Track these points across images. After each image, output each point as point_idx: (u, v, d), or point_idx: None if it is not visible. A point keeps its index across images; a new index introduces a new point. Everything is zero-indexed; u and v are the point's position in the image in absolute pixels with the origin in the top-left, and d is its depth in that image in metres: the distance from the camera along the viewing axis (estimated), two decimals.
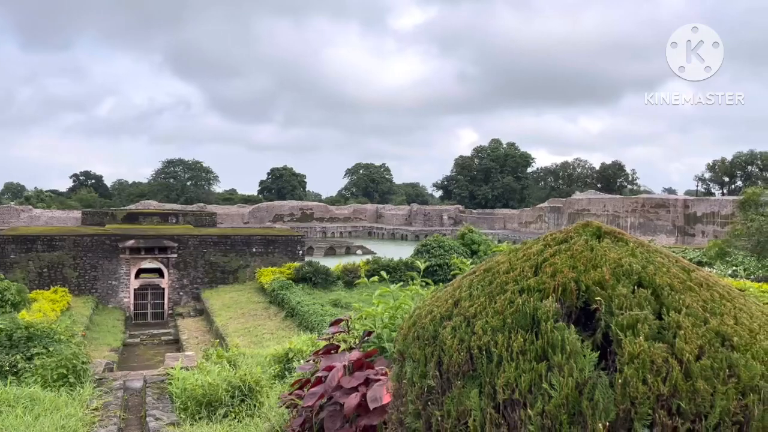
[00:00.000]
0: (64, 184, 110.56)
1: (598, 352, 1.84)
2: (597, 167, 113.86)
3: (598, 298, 1.95)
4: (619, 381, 1.73)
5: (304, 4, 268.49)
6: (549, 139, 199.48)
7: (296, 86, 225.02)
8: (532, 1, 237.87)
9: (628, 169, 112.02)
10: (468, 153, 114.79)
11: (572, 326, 1.89)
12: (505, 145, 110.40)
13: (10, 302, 20.26)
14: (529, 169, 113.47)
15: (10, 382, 8.62)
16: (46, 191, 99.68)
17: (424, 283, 4.87)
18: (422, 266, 4.84)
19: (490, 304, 2.08)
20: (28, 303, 21.37)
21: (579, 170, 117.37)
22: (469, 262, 4.78)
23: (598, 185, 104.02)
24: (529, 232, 64.62)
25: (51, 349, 10.25)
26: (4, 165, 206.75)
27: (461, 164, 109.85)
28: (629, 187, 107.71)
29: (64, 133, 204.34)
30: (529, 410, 1.78)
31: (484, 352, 1.93)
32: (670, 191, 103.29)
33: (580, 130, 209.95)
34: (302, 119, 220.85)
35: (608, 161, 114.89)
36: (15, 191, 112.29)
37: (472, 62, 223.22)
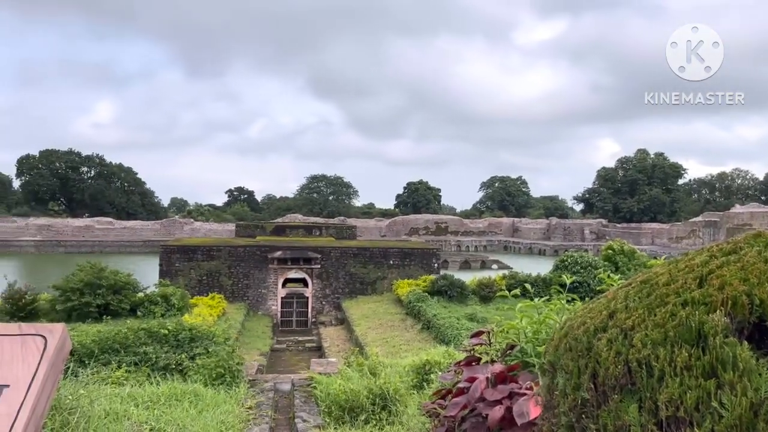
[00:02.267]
0: (220, 199, 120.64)
1: None
2: (761, 178, 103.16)
3: None
4: None
5: (430, 24, 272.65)
6: (700, 149, 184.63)
7: (427, 103, 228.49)
8: (663, 8, 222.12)
9: None
10: (610, 164, 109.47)
11: (744, 342, 1.76)
12: (652, 155, 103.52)
13: (175, 306, 22.35)
14: (681, 181, 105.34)
15: (176, 379, 9.48)
16: (205, 205, 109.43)
17: (570, 299, 4.72)
18: (569, 281, 4.69)
19: (650, 316, 1.99)
20: (190, 308, 23.37)
21: (739, 181, 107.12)
22: (617, 278, 4.56)
23: (762, 197, 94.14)
24: (680, 248, 59.93)
25: (210, 350, 11.18)
26: (171, 182, 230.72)
27: (604, 176, 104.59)
28: None
29: (220, 152, 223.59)
30: (696, 429, 1.68)
31: (643, 366, 1.86)
32: None
33: (736, 138, 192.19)
34: (434, 134, 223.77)
35: None
36: (179, 206, 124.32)
37: (606, 72, 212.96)
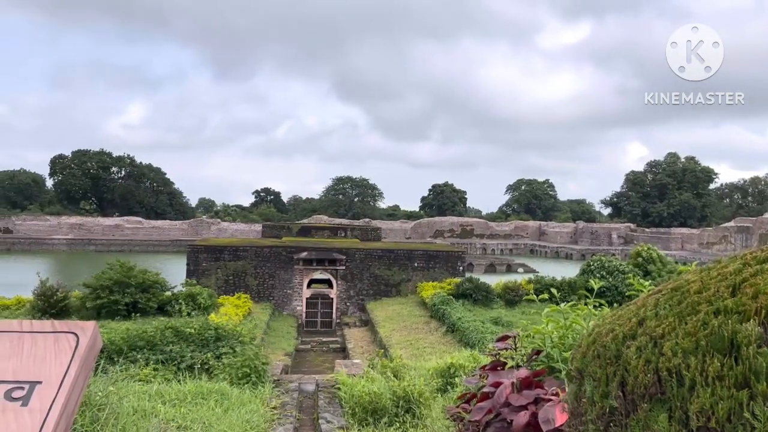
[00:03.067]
0: (247, 200, 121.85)
1: None
2: None
3: None
4: None
5: (454, 27, 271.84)
6: (731, 153, 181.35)
7: (451, 105, 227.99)
8: (687, 11, 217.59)
9: None
10: (638, 168, 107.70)
11: None
12: (683, 159, 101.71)
13: (201, 306, 22.62)
14: (712, 186, 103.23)
15: (202, 377, 9.58)
16: (232, 206, 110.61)
17: (597, 304, 4.65)
18: (596, 286, 4.63)
19: (680, 324, 1.95)
20: (217, 307, 23.62)
21: None
22: (647, 284, 4.48)
23: None
24: (711, 254, 58.72)
25: (237, 349, 11.29)
26: (199, 182, 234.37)
27: (633, 180, 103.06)
28: None
29: (246, 153, 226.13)
30: None
31: (674, 375, 1.82)
32: None
33: None
34: (459, 137, 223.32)
35: None
36: (207, 206, 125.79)
37: (632, 75, 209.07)
